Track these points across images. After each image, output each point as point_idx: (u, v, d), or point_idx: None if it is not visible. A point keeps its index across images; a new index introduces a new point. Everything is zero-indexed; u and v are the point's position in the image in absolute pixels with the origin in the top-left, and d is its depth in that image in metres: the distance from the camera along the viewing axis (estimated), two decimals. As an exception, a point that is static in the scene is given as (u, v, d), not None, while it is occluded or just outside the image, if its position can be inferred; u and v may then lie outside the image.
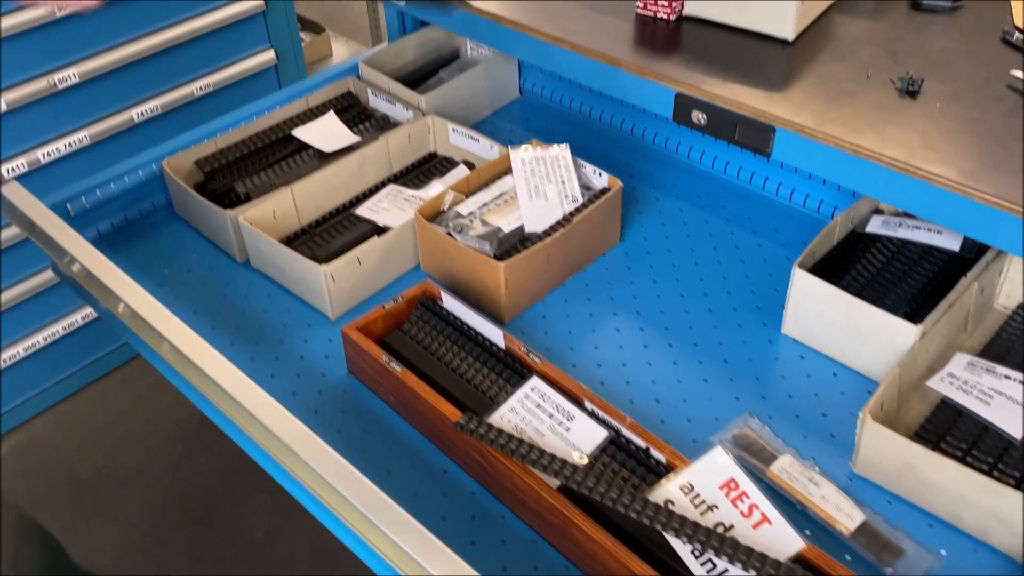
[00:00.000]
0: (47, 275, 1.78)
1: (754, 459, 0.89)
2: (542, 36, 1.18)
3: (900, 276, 1.00)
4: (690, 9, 1.19)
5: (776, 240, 1.16)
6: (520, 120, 1.42)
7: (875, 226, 1.06)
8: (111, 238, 1.18)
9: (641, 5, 1.21)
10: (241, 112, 1.29)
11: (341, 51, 2.71)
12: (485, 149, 1.23)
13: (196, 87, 2.01)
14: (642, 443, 0.85)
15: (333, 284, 1.04)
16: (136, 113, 1.90)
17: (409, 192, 1.19)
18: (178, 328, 0.90)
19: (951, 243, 1.02)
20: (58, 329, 1.90)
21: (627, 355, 1.02)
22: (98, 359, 2.06)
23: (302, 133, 1.26)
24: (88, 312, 1.92)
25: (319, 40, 2.62)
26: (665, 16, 1.20)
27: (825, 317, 0.98)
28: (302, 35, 2.32)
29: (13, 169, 1.65)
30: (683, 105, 1.09)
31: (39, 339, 1.87)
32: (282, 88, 2.19)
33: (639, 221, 1.20)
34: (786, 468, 0.87)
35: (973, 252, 1.01)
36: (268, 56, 2.12)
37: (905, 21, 1.19)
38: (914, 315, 0.95)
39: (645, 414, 0.95)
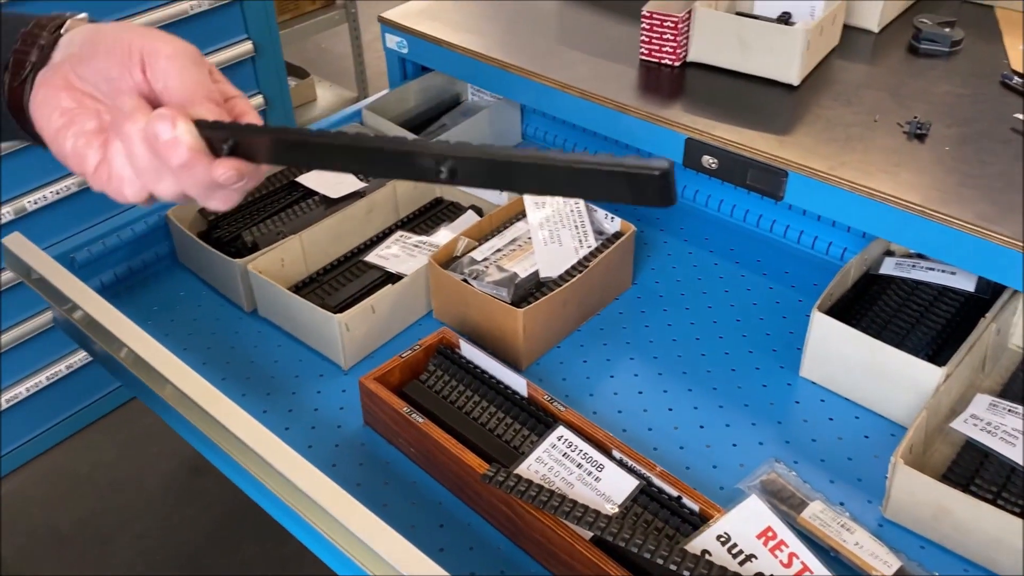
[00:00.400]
0: (20, 330, 1.75)
1: (784, 505, 0.88)
2: (550, 83, 1.19)
3: (918, 318, 1.01)
4: (694, 55, 1.21)
5: (787, 283, 1.16)
6: (523, 164, 1.41)
7: (889, 268, 1.06)
8: (114, 288, 1.16)
9: (645, 52, 1.22)
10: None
11: (326, 95, 2.72)
12: (493, 194, 1.22)
13: (185, 133, 1.99)
14: (674, 492, 0.84)
15: (347, 333, 1.02)
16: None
17: (417, 238, 1.18)
18: (193, 378, 0.88)
19: (966, 284, 1.03)
20: (41, 380, 1.85)
21: (647, 400, 1.01)
22: (81, 410, 2.01)
23: (307, 179, 1.24)
24: (72, 362, 1.88)
25: (304, 85, 2.62)
26: (670, 62, 1.21)
27: (846, 360, 0.97)
28: (288, 80, 2.32)
29: None
30: (694, 150, 1.09)
31: (21, 390, 1.83)
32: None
33: (650, 264, 1.20)
34: (817, 514, 0.86)
35: (988, 293, 1.02)
36: (257, 101, 2.11)
37: (905, 65, 1.21)
38: (934, 357, 0.95)
39: (670, 461, 0.93)
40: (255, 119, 0.56)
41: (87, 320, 0.98)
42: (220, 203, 0.55)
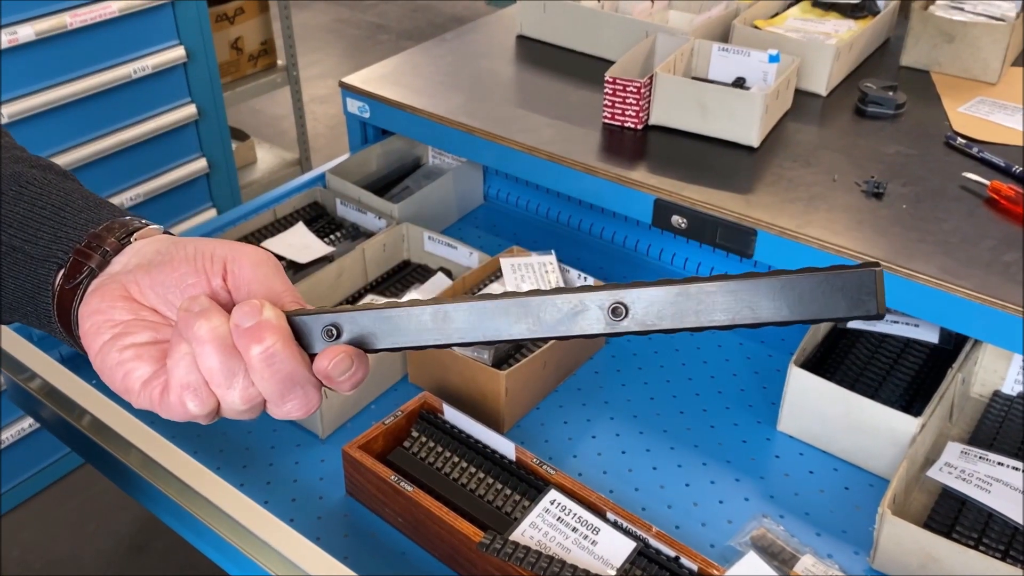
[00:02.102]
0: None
1: (775, 561, 0.88)
2: (517, 146, 1.21)
3: (888, 370, 1.04)
4: (656, 118, 1.24)
5: (756, 338, 1.19)
6: (487, 226, 1.42)
7: (855, 321, 1.10)
8: (74, 361, 1.11)
9: (608, 115, 1.25)
10: (209, 224, 1.25)
11: (266, 157, 2.69)
12: (464, 256, 1.22)
13: (127, 197, 1.95)
14: (672, 552, 0.83)
15: (325, 401, 1.00)
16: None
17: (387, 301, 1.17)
18: (165, 447, 0.85)
19: (929, 336, 1.07)
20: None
21: (631, 460, 1.01)
22: (8, 491, 1.91)
23: (273, 245, 1.23)
24: (11, 434, 1.79)
25: (244, 147, 2.60)
26: (632, 125, 1.24)
27: (823, 413, 1.00)
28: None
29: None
30: (663, 210, 1.12)
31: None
32: (214, 196, 2.16)
33: (620, 323, 1.21)
34: (809, 568, 0.87)
35: (951, 344, 1.06)
36: (201, 164, 2.09)
37: (854, 127, 1.27)
38: (907, 408, 0.98)
39: (659, 520, 0.93)
40: None
41: (47, 389, 0.95)
42: (298, 406, 0.47)
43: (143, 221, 0.53)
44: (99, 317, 0.48)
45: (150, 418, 1.04)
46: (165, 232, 0.53)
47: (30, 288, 0.52)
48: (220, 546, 0.83)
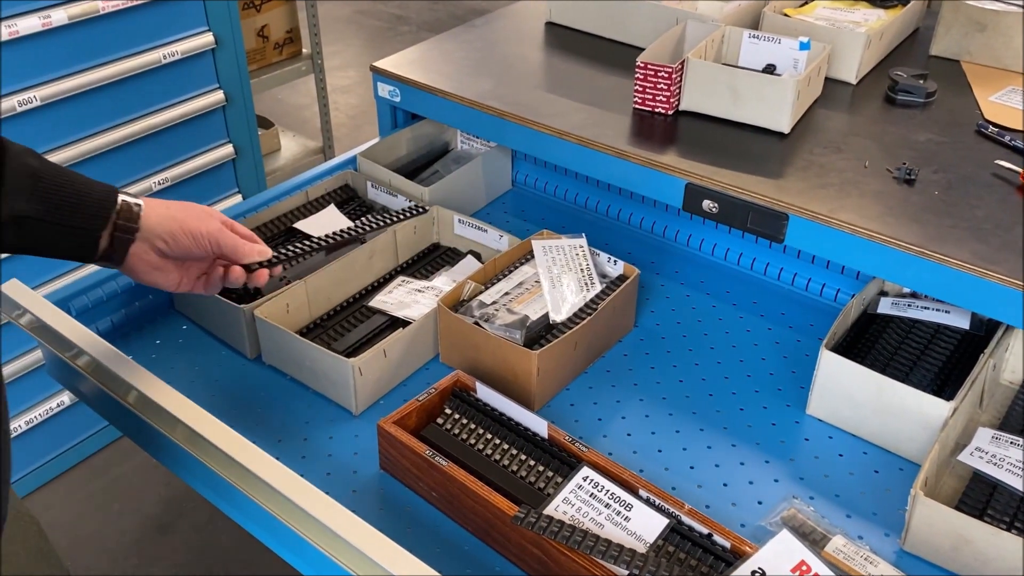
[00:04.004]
0: None
1: (806, 541, 0.89)
2: (547, 130, 1.21)
3: (918, 356, 1.04)
4: (687, 104, 1.25)
5: (784, 323, 1.19)
6: (515, 211, 1.43)
7: (885, 307, 1.10)
8: (111, 335, 1.12)
9: (639, 100, 1.26)
10: (244, 204, 1.26)
11: (289, 145, 2.71)
12: (493, 239, 1.23)
13: (154, 181, 1.97)
14: (704, 529, 0.84)
15: (360, 378, 1.01)
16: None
17: (418, 283, 1.18)
18: (209, 420, 0.86)
19: (960, 321, 1.07)
20: None
21: (661, 440, 1.02)
22: (35, 470, 1.93)
23: (305, 226, 1.24)
24: (32, 417, 1.81)
25: (268, 135, 2.61)
26: (663, 111, 1.25)
27: (853, 397, 1.00)
28: (256, 130, 2.30)
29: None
30: (694, 195, 1.12)
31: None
32: (239, 182, 2.18)
33: (649, 307, 1.22)
34: (840, 548, 0.88)
35: (983, 330, 1.06)
36: (227, 150, 2.10)
37: (883, 115, 1.27)
38: (938, 393, 0.98)
39: (689, 499, 0.93)
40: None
41: (94, 366, 0.96)
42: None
43: (128, 200, 0.81)
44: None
45: (186, 392, 1.06)
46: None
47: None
48: (268, 523, 0.84)
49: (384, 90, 1.38)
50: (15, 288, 1.01)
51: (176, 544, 1.94)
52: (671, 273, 1.29)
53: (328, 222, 1.25)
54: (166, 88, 1.92)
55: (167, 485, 2.07)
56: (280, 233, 1.24)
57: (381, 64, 1.38)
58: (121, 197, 0.81)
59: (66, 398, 1.94)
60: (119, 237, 0.80)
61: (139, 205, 0.82)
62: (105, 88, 1.78)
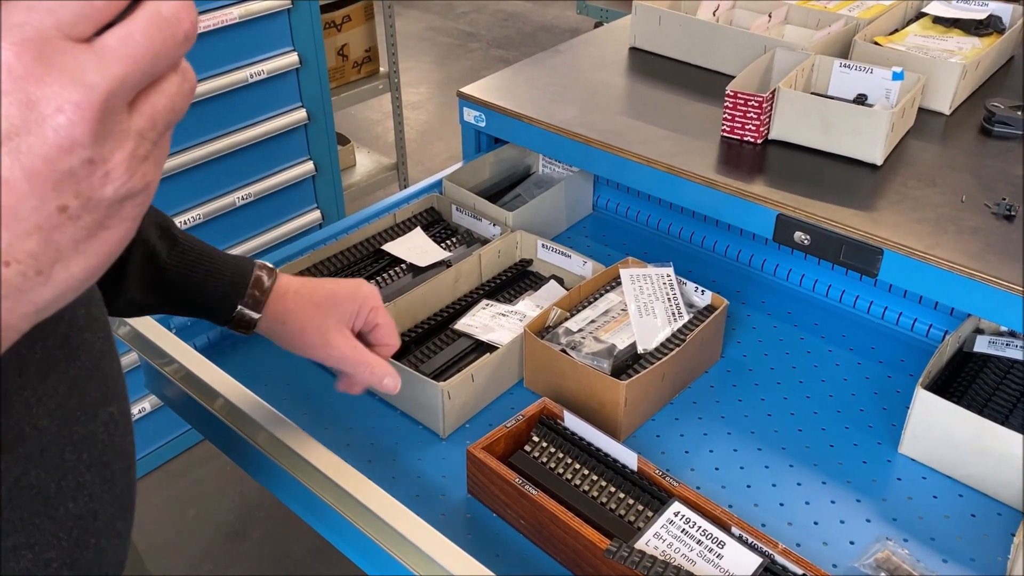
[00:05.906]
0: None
1: (901, 585, 0.87)
2: (633, 157, 1.22)
3: (1018, 397, 1.01)
4: (776, 133, 1.24)
5: (874, 358, 1.17)
6: (595, 235, 1.44)
7: (982, 346, 1.08)
8: (207, 352, 1.16)
9: (728, 128, 1.25)
10: (337, 225, 1.29)
11: (364, 161, 2.76)
12: (576, 265, 1.24)
13: (237, 196, 2.02)
14: (799, 570, 0.83)
15: (448, 401, 1.02)
16: (178, 223, 1.89)
17: (502, 307, 1.19)
18: (312, 445, 0.88)
19: (1063, 364, 1.04)
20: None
21: (750, 476, 1.01)
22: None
23: (393, 248, 1.26)
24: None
25: (344, 151, 2.66)
26: (752, 139, 1.24)
27: (950, 438, 0.98)
28: (334, 146, 2.35)
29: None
30: (785, 226, 1.11)
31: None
32: (318, 198, 2.22)
33: (735, 337, 1.21)
34: (938, 595, 0.86)
35: (1087, 373, 1.03)
36: (308, 167, 2.15)
37: (979, 147, 1.24)
38: (1039, 436, 0.95)
39: (779, 537, 0.92)
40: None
41: (183, 373, 1.00)
42: None
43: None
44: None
45: (278, 410, 1.09)
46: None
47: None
48: (351, 536, 0.86)
49: (470, 115, 1.40)
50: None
51: (249, 551, 1.98)
52: (757, 303, 1.28)
53: (416, 244, 1.27)
54: (252, 106, 1.98)
55: (241, 493, 2.11)
56: (368, 255, 1.26)
57: (467, 90, 1.40)
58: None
59: (147, 404, 2.00)
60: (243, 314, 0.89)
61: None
62: (195, 106, 1.83)
